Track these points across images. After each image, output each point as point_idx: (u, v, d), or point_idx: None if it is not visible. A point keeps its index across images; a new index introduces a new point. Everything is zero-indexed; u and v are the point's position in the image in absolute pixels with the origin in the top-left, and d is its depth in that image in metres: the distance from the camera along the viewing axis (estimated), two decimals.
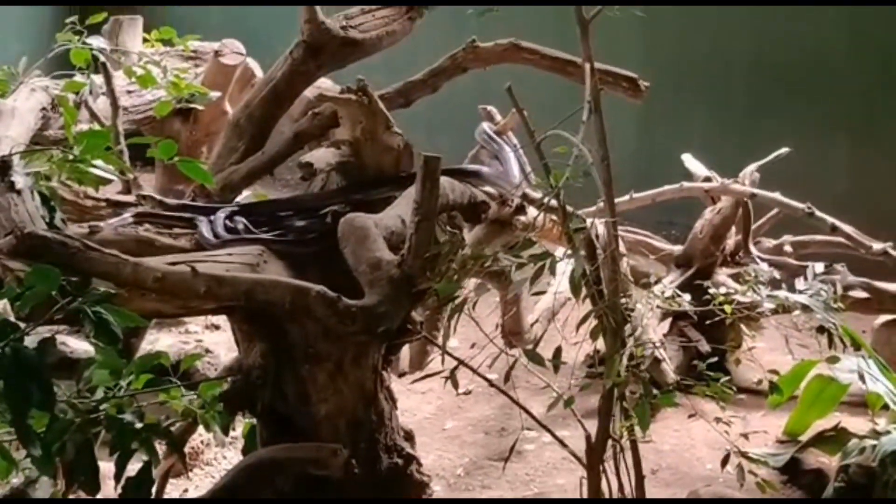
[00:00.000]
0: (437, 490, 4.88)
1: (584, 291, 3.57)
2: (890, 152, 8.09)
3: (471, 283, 4.01)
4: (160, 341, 5.74)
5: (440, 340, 3.74)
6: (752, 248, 6.32)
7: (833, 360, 4.69)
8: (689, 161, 6.59)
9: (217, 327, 6.02)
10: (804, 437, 5.36)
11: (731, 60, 8.66)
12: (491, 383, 4.04)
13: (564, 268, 3.61)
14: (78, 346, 5.07)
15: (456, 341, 3.96)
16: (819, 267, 5.15)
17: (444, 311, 4.08)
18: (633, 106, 4.75)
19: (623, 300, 3.68)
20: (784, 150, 6.35)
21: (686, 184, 6.44)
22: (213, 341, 5.92)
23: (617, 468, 3.77)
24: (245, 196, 4.48)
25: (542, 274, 3.52)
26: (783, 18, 8.32)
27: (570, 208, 3.71)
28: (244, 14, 10.10)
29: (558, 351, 3.67)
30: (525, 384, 4.80)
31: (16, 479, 3.90)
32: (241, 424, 4.18)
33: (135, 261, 3.30)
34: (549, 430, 4.02)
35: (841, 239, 6.20)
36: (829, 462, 5.16)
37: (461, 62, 4.66)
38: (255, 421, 3.97)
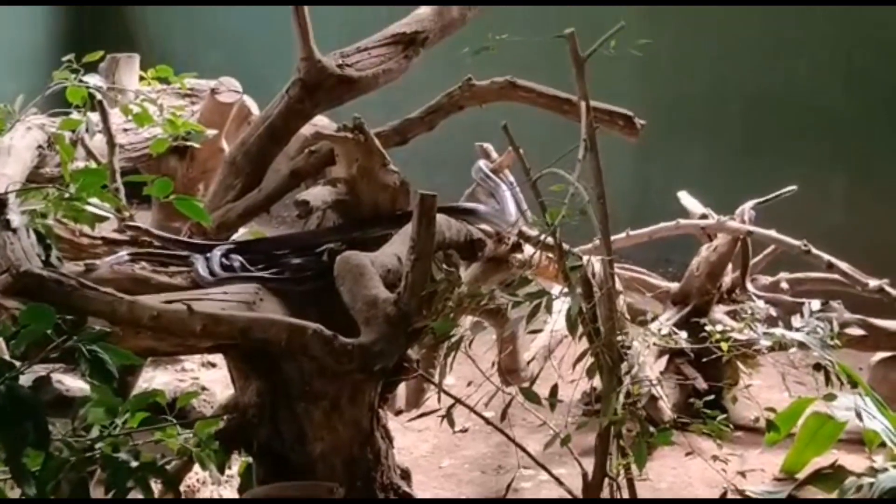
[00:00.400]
0: None
1: (580, 329, 3.57)
2: (885, 190, 8.09)
3: (467, 320, 4.01)
4: (156, 379, 5.72)
5: (437, 378, 3.73)
6: (749, 286, 6.32)
7: (830, 397, 4.68)
8: (686, 198, 6.59)
9: (213, 365, 6.00)
10: (801, 475, 5.34)
11: (726, 98, 8.67)
12: (488, 421, 4.03)
13: (561, 306, 3.61)
14: (73, 384, 5.06)
15: (452, 379, 3.93)
16: (815, 304, 5.15)
17: (440, 348, 4.08)
18: (629, 144, 4.76)
19: (619, 338, 3.68)
20: (791, 188, 6.34)
21: (682, 221, 6.43)
22: (210, 379, 5.90)
23: None
24: (241, 234, 4.48)
25: (538, 312, 3.51)
26: (780, 55, 8.34)
27: (566, 246, 3.71)
28: (241, 52, 10.13)
29: (555, 389, 3.67)
30: (522, 422, 4.78)
31: None
32: (237, 463, 4.16)
33: (130, 299, 3.30)
34: (545, 469, 4.01)
35: (837, 276, 6.20)
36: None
37: (458, 100, 4.67)
38: (251, 459, 3.96)
